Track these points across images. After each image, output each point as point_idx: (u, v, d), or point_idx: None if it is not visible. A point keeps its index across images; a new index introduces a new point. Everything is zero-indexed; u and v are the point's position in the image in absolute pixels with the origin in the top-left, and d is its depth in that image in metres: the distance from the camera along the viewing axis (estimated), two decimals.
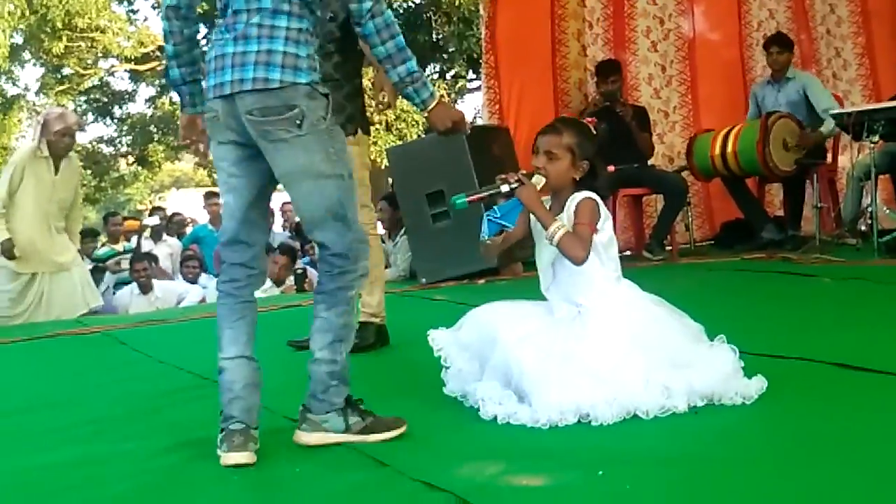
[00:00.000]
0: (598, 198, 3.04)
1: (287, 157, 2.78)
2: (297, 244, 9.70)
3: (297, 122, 2.73)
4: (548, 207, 3.07)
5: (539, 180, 3.03)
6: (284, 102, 2.73)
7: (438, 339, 3.16)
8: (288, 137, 2.74)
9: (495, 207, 3.06)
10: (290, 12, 2.78)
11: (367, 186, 4.73)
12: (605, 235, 3.05)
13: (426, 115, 3.09)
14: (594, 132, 3.12)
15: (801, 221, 7.36)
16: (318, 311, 2.88)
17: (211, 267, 9.81)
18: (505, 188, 3.00)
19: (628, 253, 7.88)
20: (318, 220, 2.83)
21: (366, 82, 4.83)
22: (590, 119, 3.19)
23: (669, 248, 7.43)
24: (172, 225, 11.64)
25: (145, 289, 8.44)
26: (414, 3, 22.50)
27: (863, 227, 6.91)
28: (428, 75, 23.05)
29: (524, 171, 3.06)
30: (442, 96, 22.50)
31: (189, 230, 11.73)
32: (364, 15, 2.87)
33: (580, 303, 3.02)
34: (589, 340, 2.91)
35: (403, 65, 2.94)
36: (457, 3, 20.40)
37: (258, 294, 3.10)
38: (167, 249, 10.53)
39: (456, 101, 24.05)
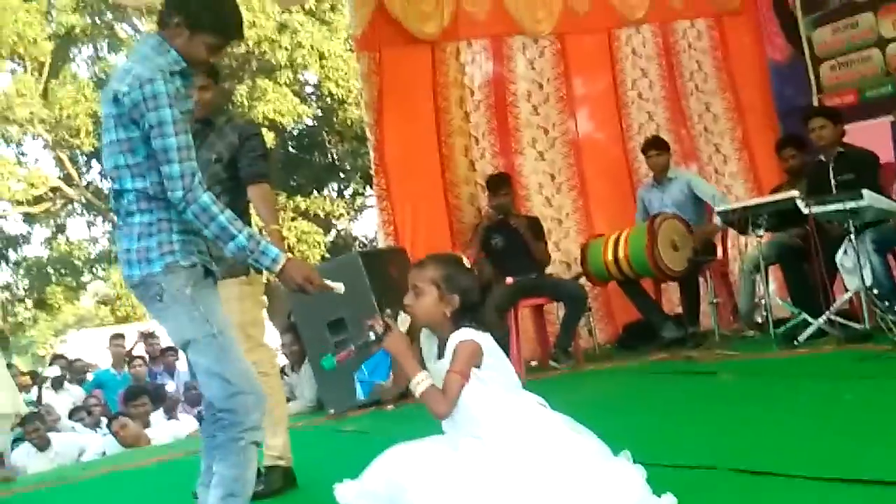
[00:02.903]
0: (479, 336, 2.99)
1: (165, 328, 3.06)
2: None
3: (158, 297, 2.97)
4: (433, 346, 3.06)
5: (404, 319, 3.03)
6: (148, 287, 3.00)
7: (345, 495, 3.07)
8: (156, 312, 3.01)
9: (363, 367, 3.04)
10: (140, 209, 3.00)
11: (262, 325, 4.66)
12: (491, 370, 3.00)
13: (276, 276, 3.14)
14: (467, 266, 3.11)
15: (700, 317, 7.46)
16: (213, 465, 3.00)
17: (115, 412, 9.53)
18: (372, 336, 2.98)
19: (534, 363, 7.90)
20: (202, 381, 3.01)
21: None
22: (469, 254, 3.19)
23: (575, 354, 7.46)
24: (73, 372, 11.36)
25: (41, 447, 8.10)
26: (307, 125, 22.72)
27: (759, 319, 7.05)
28: (326, 195, 23.20)
29: (389, 312, 3.04)
30: (341, 215, 22.45)
31: (91, 376, 11.46)
32: (179, 204, 2.96)
33: (480, 435, 2.97)
34: (495, 473, 2.85)
35: (232, 241, 3.00)
36: (349, 122, 20.66)
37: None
38: (69, 398, 10.27)
39: (355, 218, 24.17)
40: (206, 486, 3.10)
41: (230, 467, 2.96)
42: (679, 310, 7.83)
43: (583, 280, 7.87)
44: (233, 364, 3.00)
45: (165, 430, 8.09)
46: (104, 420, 9.33)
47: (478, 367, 2.98)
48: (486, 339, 3.01)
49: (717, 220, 7.26)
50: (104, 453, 7.88)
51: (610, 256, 7.38)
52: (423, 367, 3.03)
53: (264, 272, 4.64)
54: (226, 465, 2.96)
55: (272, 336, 8.52)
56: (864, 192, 5.78)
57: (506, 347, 3.18)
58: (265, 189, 4.43)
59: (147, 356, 11.01)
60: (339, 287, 3.17)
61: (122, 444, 7.89)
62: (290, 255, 3.19)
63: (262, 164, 4.45)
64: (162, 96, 2.89)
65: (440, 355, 3.05)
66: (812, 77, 8.49)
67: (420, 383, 2.92)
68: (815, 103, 8.28)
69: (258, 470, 4.37)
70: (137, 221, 2.99)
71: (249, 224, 4.56)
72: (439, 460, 2.94)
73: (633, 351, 7.62)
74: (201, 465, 3.20)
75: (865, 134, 7.30)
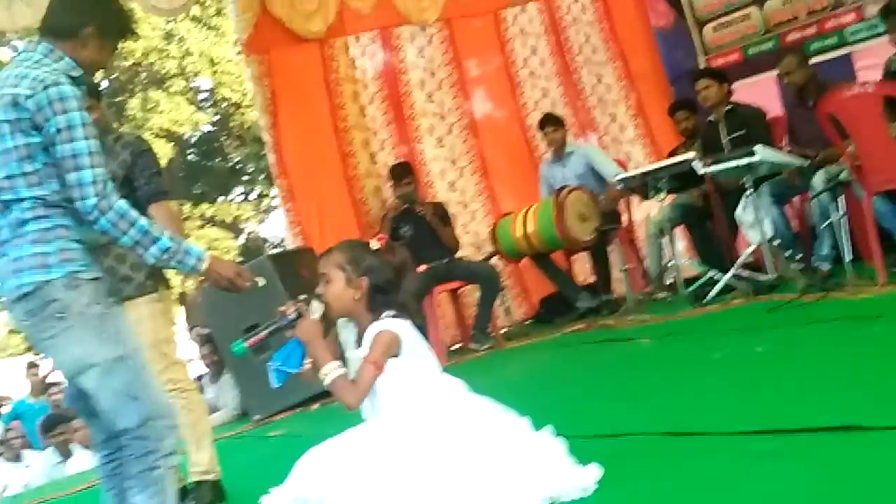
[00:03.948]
0: (399, 325, 3.00)
1: (62, 353, 2.77)
2: None
3: (60, 315, 2.71)
4: (352, 335, 3.05)
5: (317, 308, 2.98)
6: (43, 300, 2.71)
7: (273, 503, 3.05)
8: (53, 332, 2.72)
9: (274, 356, 2.99)
10: (35, 216, 2.76)
11: (175, 342, 4.59)
12: (411, 359, 3.01)
13: (202, 278, 3.01)
14: (373, 248, 3.10)
15: (612, 284, 7.57)
16: (129, 497, 2.80)
17: (36, 442, 9.34)
18: (284, 321, 2.95)
19: (456, 347, 7.95)
20: (112, 407, 2.79)
21: None
22: (380, 237, 3.17)
23: (494, 334, 7.52)
24: None
25: None
26: (205, 132, 22.44)
27: (669, 281, 7.18)
28: (232, 200, 22.95)
29: (304, 296, 3.01)
30: (249, 218, 22.23)
31: (8, 408, 11.18)
32: (91, 212, 2.76)
33: (403, 423, 2.96)
34: (416, 459, 2.85)
35: (155, 245, 2.83)
36: (247, 125, 20.45)
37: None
38: None
39: (264, 220, 23.96)
40: None
41: (151, 497, 2.78)
42: (591, 280, 7.94)
43: (495, 260, 7.93)
44: (146, 388, 2.82)
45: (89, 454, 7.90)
46: (25, 452, 9.14)
47: (396, 356, 2.98)
48: (405, 328, 3.01)
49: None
50: (27, 486, 7.72)
51: (519, 233, 7.45)
52: (337, 356, 3.01)
53: (174, 287, 4.62)
54: (145, 496, 2.77)
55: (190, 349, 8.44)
56: (757, 147, 5.90)
57: (425, 334, 3.17)
58: (167, 206, 4.33)
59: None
60: (261, 280, 3.12)
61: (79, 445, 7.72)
62: (212, 252, 3.10)
63: (159, 181, 4.35)
64: (69, 99, 2.72)
65: (359, 343, 3.05)
66: (697, 40, 8.64)
67: (329, 373, 2.91)
68: (703, 65, 8.43)
69: (185, 487, 4.34)
70: (32, 229, 2.75)
71: None
72: (360, 454, 2.93)
73: (550, 325, 7.71)
74: (104, 499, 2.99)
75: (754, 90, 7.49)
